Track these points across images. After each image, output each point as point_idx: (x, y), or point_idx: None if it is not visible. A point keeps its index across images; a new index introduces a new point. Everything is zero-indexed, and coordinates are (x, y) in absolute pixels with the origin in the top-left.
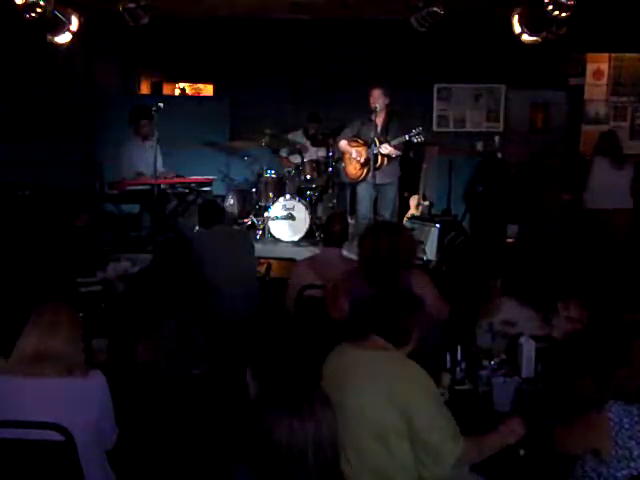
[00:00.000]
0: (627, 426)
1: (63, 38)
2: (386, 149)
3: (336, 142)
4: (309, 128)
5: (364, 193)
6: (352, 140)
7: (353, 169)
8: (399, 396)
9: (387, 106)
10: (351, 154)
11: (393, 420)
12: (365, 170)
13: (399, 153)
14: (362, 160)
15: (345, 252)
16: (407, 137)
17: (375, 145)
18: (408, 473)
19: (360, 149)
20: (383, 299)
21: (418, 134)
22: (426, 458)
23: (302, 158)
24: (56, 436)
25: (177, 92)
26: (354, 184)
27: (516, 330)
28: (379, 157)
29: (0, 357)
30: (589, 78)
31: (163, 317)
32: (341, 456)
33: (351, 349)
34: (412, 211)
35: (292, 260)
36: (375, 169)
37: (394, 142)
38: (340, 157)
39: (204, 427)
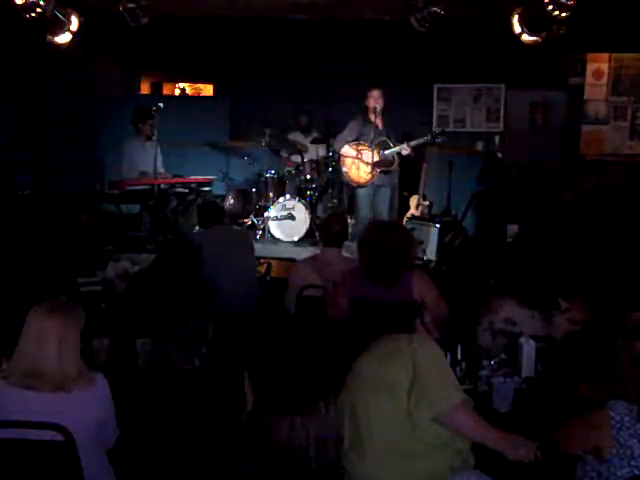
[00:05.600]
0: (628, 424)
1: (63, 38)
2: (406, 150)
3: (335, 148)
4: (300, 121)
5: (364, 195)
6: (356, 144)
7: (363, 172)
8: (412, 352)
9: (383, 107)
10: (360, 158)
11: (403, 375)
12: (375, 172)
13: (412, 154)
14: (374, 162)
15: (345, 252)
16: (430, 138)
17: (390, 146)
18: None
19: (369, 152)
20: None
21: (441, 134)
22: (421, 401)
23: (302, 158)
24: (56, 436)
25: (177, 92)
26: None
27: (516, 329)
28: (394, 158)
29: (2, 357)
30: (589, 78)
31: (164, 317)
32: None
33: None
34: (412, 211)
35: (292, 260)
36: (388, 171)
37: (413, 143)
38: (338, 160)
39: (204, 427)
